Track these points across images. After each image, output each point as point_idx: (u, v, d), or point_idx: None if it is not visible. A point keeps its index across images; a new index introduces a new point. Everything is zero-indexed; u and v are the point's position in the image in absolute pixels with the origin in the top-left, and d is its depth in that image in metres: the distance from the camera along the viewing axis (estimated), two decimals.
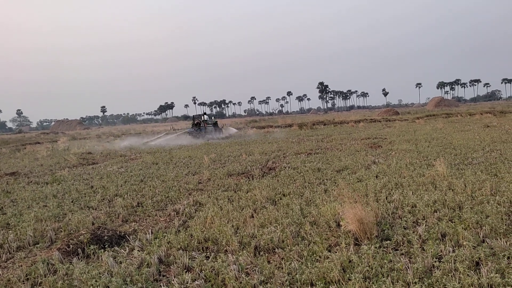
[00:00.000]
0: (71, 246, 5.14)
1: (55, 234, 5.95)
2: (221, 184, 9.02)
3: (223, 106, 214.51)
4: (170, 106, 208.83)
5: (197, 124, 28.65)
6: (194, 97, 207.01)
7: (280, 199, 7.07)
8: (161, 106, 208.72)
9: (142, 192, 8.66)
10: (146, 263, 4.52)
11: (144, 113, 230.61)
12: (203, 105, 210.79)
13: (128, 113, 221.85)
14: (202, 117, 29.73)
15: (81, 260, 4.81)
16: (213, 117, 33.22)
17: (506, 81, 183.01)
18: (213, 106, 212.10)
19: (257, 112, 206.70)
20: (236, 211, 6.41)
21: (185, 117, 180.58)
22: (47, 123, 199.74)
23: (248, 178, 9.58)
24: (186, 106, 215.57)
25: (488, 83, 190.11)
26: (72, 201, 8.27)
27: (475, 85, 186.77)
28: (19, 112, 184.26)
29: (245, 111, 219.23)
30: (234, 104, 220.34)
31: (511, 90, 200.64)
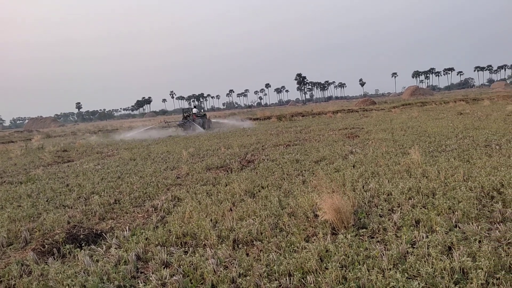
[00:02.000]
0: (46, 246, 5.04)
1: (29, 235, 5.82)
2: (199, 178, 8.98)
3: (201, 100, 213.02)
4: (148, 101, 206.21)
5: (187, 117, 30.14)
6: (172, 92, 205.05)
7: (259, 191, 7.10)
8: (138, 101, 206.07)
9: (119, 189, 8.55)
10: (123, 261, 4.48)
11: (121, 108, 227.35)
12: (181, 99, 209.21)
13: (104, 109, 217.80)
14: (192, 110, 31.10)
15: (57, 260, 4.73)
16: (202, 110, 34.09)
17: (479, 69, 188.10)
18: (192, 100, 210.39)
19: (236, 105, 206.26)
20: (215, 205, 6.40)
21: (163, 112, 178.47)
22: (21, 121, 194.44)
23: (227, 171, 9.57)
24: (164, 100, 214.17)
25: (461, 71, 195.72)
26: (47, 200, 8.10)
27: (449, 73, 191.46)
28: None
29: (223, 104, 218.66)
30: (212, 97, 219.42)
31: (483, 77, 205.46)
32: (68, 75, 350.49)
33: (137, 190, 8.28)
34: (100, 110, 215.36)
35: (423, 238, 4.20)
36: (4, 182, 10.98)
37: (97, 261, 4.56)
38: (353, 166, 8.54)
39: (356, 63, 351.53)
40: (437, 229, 4.36)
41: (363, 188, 6.50)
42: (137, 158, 13.87)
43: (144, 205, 7.07)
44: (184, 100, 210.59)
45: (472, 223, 4.49)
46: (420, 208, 5.12)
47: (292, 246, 4.41)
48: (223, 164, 10.72)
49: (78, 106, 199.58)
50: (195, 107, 32.99)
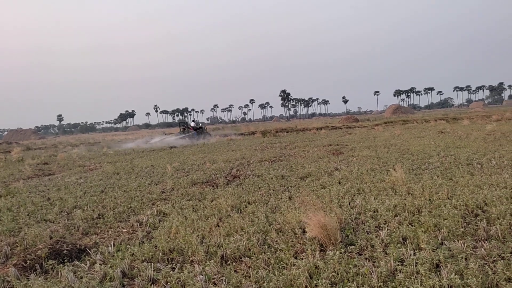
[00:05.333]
0: (28, 261, 4.89)
1: (10, 250, 5.65)
2: (185, 193, 8.91)
3: (185, 114, 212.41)
4: (131, 115, 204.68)
5: (184, 129, 34.46)
6: (156, 105, 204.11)
7: (246, 207, 7.06)
8: (121, 114, 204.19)
9: (103, 203, 8.40)
10: (108, 277, 4.38)
11: (103, 121, 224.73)
12: (165, 113, 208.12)
13: (86, 122, 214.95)
14: (190, 123, 35.97)
15: (39, 276, 4.60)
16: (200, 124, 37.51)
17: (458, 89, 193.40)
18: (175, 114, 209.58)
19: (220, 120, 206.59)
20: (201, 220, 6.34)
21: (147, 126, 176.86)
22: None
23: (213, 186, 9.52)
24: (148, 114, 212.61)
25: (441, 91, 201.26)
26: (28, 214, 7.89)
27: (429, 93, 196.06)
28: None
29: (207, 119, 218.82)
30: (196, 112, 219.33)
31: (462, 97, 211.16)
32: (50, 86, 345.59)
33: (122, 204, 8.15)
34: (82, 123, 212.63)
35: (410, 255, 4.24)
36: None
37: (81, 277, 4.45)
38: (339, 183, 8.59)
39: (340, 80, 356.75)
40: (424, 246, 4.40)
41: (349, 204, 6.53)
42: (121, 172, 13.69)
43: (129, 220, 6.95)
44: (168, 114, 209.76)
45: (458, 241, 4.54)
46: (407, 225, 5.16)
47: (281, 262, 4.38)
48: (209, 179, 10.66)
49: (60, 118, 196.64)
50: (193, 120, 36.45)
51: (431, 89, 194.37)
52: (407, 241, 4.66)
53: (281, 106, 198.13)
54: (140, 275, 4.39)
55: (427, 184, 7.45)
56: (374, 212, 6.00)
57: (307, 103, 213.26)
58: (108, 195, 9.33)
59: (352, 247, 4.63)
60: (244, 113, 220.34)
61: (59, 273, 4.60)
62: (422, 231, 4.87)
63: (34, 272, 4.71)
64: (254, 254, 4.70)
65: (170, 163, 14.95)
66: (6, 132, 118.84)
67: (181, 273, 4.26)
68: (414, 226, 5.16)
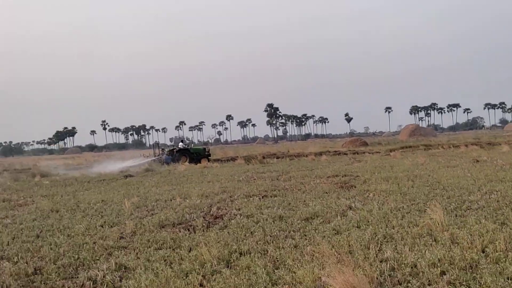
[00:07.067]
0: None
1: None
2: (152, 239, 8.61)
3: (142, 133, 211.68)
4: (71, 133, 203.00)
5: (171, 152, 35.83)
6: (104, 122, 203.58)
7: (237, 259, 6.82)
8: (58, 132, 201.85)
9: (40, 253, 8.00)
10: None
11: (34, 141, 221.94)
12: (116, 132, 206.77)
13: (11, 142, 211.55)
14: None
15: None
16: (187, 144, 39.86)
17: (490, 106, 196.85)
18: (129, 133, 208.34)
19: (187, 141, 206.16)
20: (179, 278, 6.05)
21: (91, 148, 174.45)
22: None
23: (189, 230, 9.27)
24: (93, 132, 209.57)
25: (468, 109, 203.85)
26: None
27: (454, 110, 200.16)
28: None
29: (171, 139, 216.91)
30: (157, 130, 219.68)
31: (495, 117, 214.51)
32: None
33: (66, 254, 7.79)
34: (5, 143, 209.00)
35: None
36: None
37: None
38: (358, 227, 8.48)
39: (341, 92, 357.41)
40: None
41: (377, 257, 6.36)
42: (61, 209, 13.26)
43: (78, 277, 6.57)
44: (120, 133, 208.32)
45: None
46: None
47: None
48: (182, 220, 10.41)
49: None
50: (182, 140, 40.27)
51: (456, 105, 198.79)
52: None
53: (267, 125, 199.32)
54: None
55: (475, 229, 7.35)
56: (412, 267, 5.82)
57: (300, 121, 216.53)
58: (47, 241, 8.94)
59: None
60: (219, 133, 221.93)
61: None
62: None
63: None
64: None
65: (128, 197, 14.57)
66: None
67: None
68: None
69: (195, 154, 34.69)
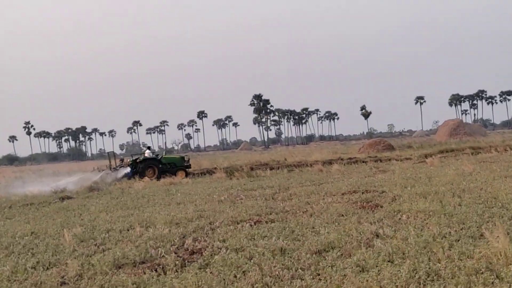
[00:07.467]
0: None
1: None
2: (107, 284, 7.47)
3: (82, 139, 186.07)
4: None
5: (134, 162, 30.69)
6: (28, 123, 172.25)
7: None
8: None
9: None
10: None
11: None
12: (45, 137, 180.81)
13: None
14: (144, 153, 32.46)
15: None
16: (153, 153, 35.26)
17: None
18: (63, 139, 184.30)
19: (145, 148, 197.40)
20: None
21: (10, 160, 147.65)
22: None
23: (156, 271, 7.98)
24: (13, 139, 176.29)
25: None
26: None
27: (509, 99, 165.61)
28: None
29: (121, 146, 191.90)
30: (103, 134, 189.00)
31: None
32: None
33: None
34: None
35: None
36: None
37: None
38: (390, 261, 7.43)
39: (355, 79, 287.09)
40: None
41: None
42: None
43: None
44: (51, 139, 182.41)
45: None
46: None
47: None
48: (146, 257, 8.87)
49: None
50: (148, 147, 37.37)
51: (511, 93, 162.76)
52: None
53: (254, 123, 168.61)
54: None
55: None
56: None
57: (299, 117, 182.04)
58: None
59: None
60: (189, 136, 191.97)
61: None
62: None
63: None
64: None
65: (67, 227, 12.76)
66: None
67: None
68: None
69: (168, 166, 30.57)
